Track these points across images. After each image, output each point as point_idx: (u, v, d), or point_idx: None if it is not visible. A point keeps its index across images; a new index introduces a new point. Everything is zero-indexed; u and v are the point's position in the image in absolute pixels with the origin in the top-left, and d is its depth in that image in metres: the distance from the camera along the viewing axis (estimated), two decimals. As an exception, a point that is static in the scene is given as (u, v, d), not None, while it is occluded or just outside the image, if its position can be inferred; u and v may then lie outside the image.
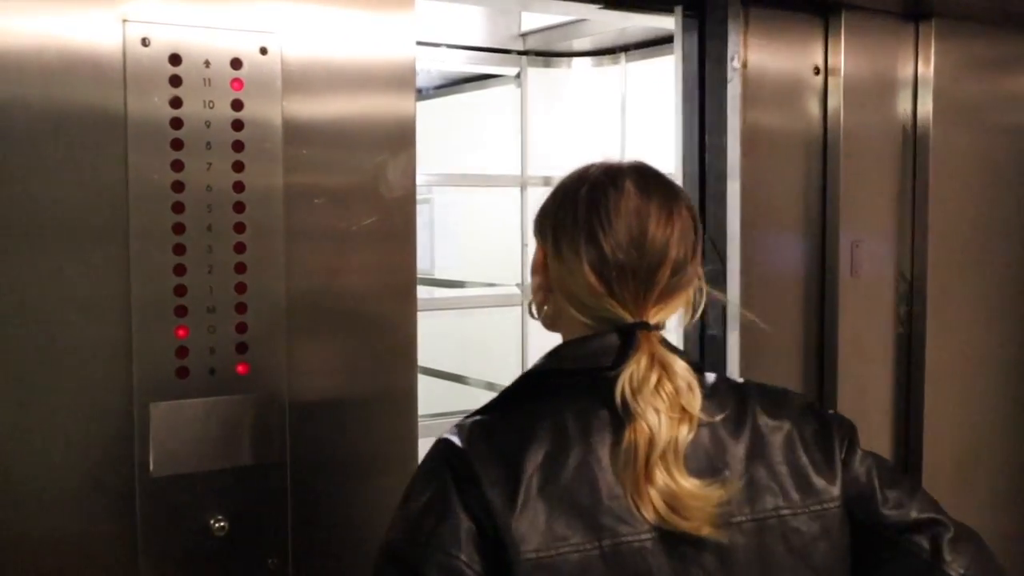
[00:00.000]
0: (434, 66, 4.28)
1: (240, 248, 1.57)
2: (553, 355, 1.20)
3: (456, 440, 1.11)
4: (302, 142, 1.61)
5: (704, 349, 2.28)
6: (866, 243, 2.35)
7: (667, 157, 3.90)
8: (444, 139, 5.31)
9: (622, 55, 4.04)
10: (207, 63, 1.53)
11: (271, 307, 1.59)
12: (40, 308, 1.44)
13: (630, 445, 1.09)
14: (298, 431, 1.63)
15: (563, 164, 3.82)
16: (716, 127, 2.33)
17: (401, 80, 1.71)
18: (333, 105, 1.64)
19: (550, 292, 1.22)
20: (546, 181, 4.11)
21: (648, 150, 4.03)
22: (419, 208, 4.90)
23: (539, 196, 3.77)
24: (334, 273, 1.65)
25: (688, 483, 1.09)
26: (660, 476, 1.08)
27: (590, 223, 1.16)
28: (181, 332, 1.53)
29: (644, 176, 1.22)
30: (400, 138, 1.70)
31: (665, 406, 1.10)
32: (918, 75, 2.41)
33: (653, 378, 1.11)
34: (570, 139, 4.15)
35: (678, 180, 2.42)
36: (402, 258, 1.72)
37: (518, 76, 4.11)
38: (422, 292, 4.99)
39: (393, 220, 1.70)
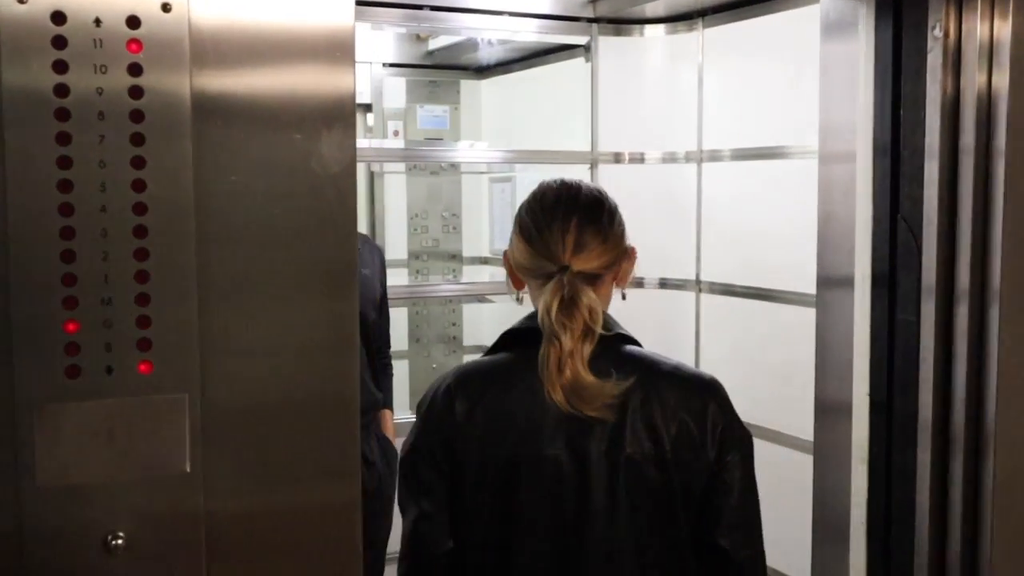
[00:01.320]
0: (500, 35, 4.07)
1: (140, 232, 1.39)
2: (530, 316, 1.71)
3: (450, 379, 1.71)
4: (215, 112, 1.42)
5: (894, 332, 2.30)
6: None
7: (747, 127, 3.60)
8: (516, 116, 5.10)
9: (699, 20, 3.74)
10: (97, 21, 1.35)
11: (179, 297, 1.41)
12: (-96, 299, 1.30)
13: (545, 353, 1.60)
14: (213, 438, 1.44)
15: (635, 139, 3.55)
16: (912, 101, 2.14)
17: (337, 49, 1.49)
18: (253, 74, 1.44)
19: (518, 279, 1.76)
20: (617, 157, 3.86)
21: (727, 121, 3.73)
22: (500, 187, 4.73)
23: (611, 173, 3.49)
24: (256, 256, 1.46)
25: (590, 378, 1.58)
26: (568, 371, 1.58)
27: (519, 217, 1.75)
28: (71, 327, 1.36)
29: (560, 185, 1.76)
30: (337, 114, 1.49)
31: (574, 325, 1.59)
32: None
33: (556, 302, 1.60)
34: (643, 112, 3.87)
35: (867, 155, 2.40)
36: (337, 243, 1.51)
37: (588, 49, 3.85)
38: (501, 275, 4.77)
39: (328, 199, 1.49)
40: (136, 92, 1.37)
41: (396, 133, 4.98)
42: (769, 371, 3.50)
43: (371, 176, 4.95)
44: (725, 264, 3.73)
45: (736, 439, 1.66)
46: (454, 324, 5.18)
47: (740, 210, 3.66)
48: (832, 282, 2.66)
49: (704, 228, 3.80)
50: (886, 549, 2.46)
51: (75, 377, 1.37)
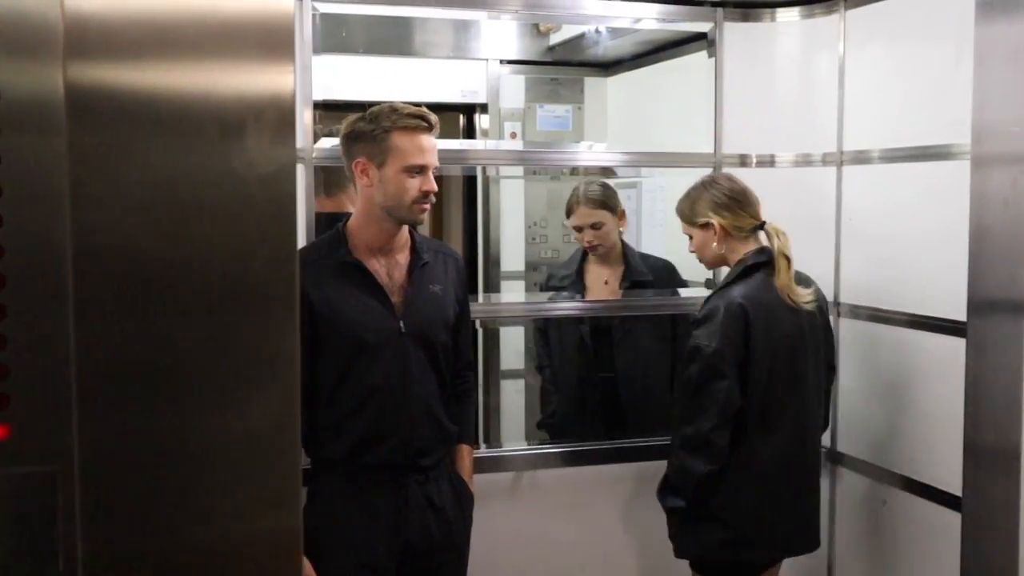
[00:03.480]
0: (619, 23, 3.66)
1: (-6, 257, 1.06)
2: (759, 252, 2.84)
3: (736, 299, 2.75)
4: (100, 108, 1.08)
5: None
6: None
7: (896, 125, 3.08)
8: (643, 116, 4.66)
9: (841, 1, 3.23)
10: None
11: (48, 339, 1.08)
12: None
13: (779, 269, 2.79)
14: (95, 522, 1.11)
15: (765, 139, 3.05)
16: None
17: (270, 37, 1.14)
18: (155, 67, 1.10)
19: (722, 242, 2.86)
20: (743, 160, 3.38)
21: (872, 118, 3.20)
22: (626, 193, 4.27)
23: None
24: (157, 282, 1.12)
25: (797, 287, 2.78)
26: (791, 279, 2.78)
27: (726, 199, 2.88)
28: (-101, 378, 1.05)
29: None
30: (268, 114, 1.13)
31: (790, 252, 2.79)
32: None
33: (780, 238, 2.80)
34: (774, 109, 3.38)
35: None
36: (268, 262, 1.15)
37: (712, 43, 3.39)
38: (632, 294, 4.35)
39: (258, 214, 1.14)
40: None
41: (514, 135, 4.63)
42: (916, 412, 2.97)
43: (486, 181, 4.61)
44: (869, 285, 3.20)
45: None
46: (575, 342, 4.77)
47: (888, 221, 3.13)
48: (990, 307, 2.16)
49: (844, 242, 3.28)
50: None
51: (-95, 443, 1.06)
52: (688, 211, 2.92)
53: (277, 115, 1.14)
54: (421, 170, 2.55)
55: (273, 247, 1.15)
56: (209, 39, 1.11)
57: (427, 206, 2.60)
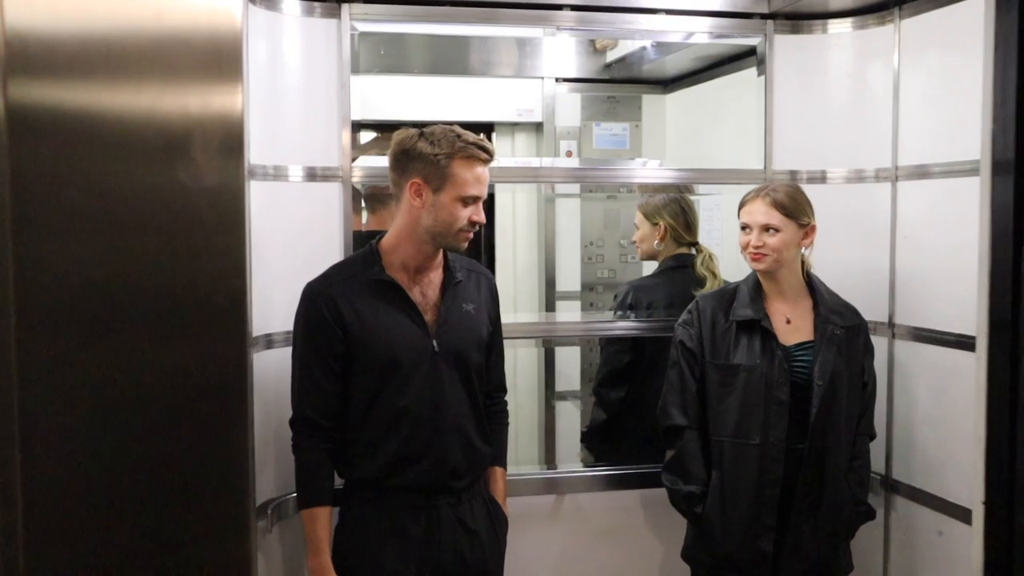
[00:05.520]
0: (669, 37, 3.59)
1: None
2: None
3: None
4: (40, 135, 1.07)
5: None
6: None
7: (950, 138, 2.95)
8: (702, 133, 4.57)
9: (895, 11, 3.11)
10: None
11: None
12: None
13: None
14: (37, 543, 1.09)
15: (816, 154, 2.95)
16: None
17: (217, 55, 1.12)
18: (101, 87, 1.09)
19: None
20: (793, 176, 3.28)
21: (927, 132, 3.08)
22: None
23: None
24: (97, 302, 1.10)
25: None
26: None
27: None
28: None
29: None
30: (221, 133, 1.12)
31: None
32: None
33: None
34: (825, 123, 3.27)
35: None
36: (215, 281, 1.12)
37: (761, 61, 3.29)
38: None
39: (205, 230, 1.11)
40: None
41: (569, 154, 4.58)
42: (969, 436, 2.82)
43: (541, 200, 4.58)
44: (926, 305, 3.06)
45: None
46: (633, 363, 4.68)
47: (945, 239, 2.99)
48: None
49: (899, 260, 3.15)
50: None
51: None
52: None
53: (224, 130, 1.12)
54: (475, 200, 2.54)
55: (221, 260, 1.13)
56: (154, 56, 1.10)
57: (471, 235, 2.60)
